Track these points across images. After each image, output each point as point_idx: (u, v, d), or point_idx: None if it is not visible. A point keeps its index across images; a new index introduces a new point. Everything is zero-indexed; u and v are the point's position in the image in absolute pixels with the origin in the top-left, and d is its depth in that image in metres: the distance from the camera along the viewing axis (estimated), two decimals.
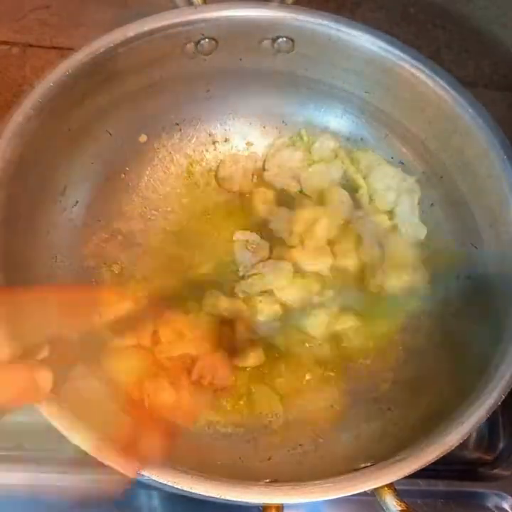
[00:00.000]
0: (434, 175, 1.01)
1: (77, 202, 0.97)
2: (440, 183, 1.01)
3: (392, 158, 1.06)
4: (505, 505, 0.98)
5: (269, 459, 0.88)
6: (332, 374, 0.99)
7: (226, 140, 1.11)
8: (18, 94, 1.20)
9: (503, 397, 0.75)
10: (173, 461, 0.69)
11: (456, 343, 0.92)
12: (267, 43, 0.97)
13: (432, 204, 1.04)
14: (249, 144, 1.12)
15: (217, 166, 1.10)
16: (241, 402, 0.96)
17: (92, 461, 0.68)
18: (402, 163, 1.06)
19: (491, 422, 1.05)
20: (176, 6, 0.91)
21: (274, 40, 0.96)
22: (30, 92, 0.83)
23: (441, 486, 0.98)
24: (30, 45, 1.26)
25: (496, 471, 1.02)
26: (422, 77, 0.93)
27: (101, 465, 0.66)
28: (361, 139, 1.09)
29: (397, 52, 0.93)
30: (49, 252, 0.92)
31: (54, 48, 1.25)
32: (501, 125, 0.90)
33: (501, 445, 1.05)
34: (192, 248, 1.05)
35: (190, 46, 0.95)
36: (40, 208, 0.90)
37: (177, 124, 1.07)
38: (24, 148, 0.82)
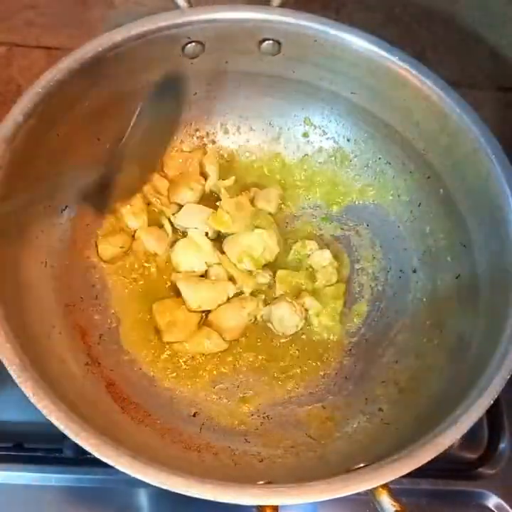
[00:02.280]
0: (422, 175, 1.02)
1: (66, 207, 0.97)
2: (428, 184, 1.01)
3: (379, 158, 1.07)
4: (490, 504, 1.00)
5: (262, 460, 0.89)
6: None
7: (213, 143, 1.12)
8: (4, 93, 1.20)
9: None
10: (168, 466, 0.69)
11: (454, 343, 0.92)
12: (253, 45, 0.97)
13: (419, 204, 1.04)
14: (237, 145, 1.12)
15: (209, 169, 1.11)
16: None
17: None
18: (390, 164, 1.06)
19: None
20: (176, 6, 0.92)
21: (261, 42, 0.96)
22: (18, 98, 0.83)
23: (425, 484, 0.99)
24: (17, 45, 1.25)
25: (480, 470, 1.02)
26: (409, 77, 0.93)
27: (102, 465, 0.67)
28: (348, 140, 1.09)
29: (384, 52, 0.93)
30: (38, 257, 0.92)
31: (40, 47, 1.25)
32: (486, 125, 0.91)
33: (485, 443, 1.06)
34: None
35: (176, 50, 0.95)
36: (30, 213, 0.90)
37: None
38: (13, 154, 0.82)
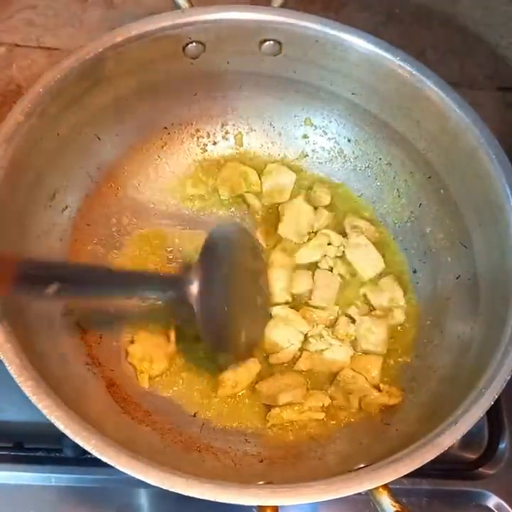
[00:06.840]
0: (422, 175, 1.02)
1: (66, 207, 0.97)
2: (428, 184, 1.02)
3: (379, 159, 1.07)
4: (490, 504, 0.99)
5: (262, 460, 0.89)
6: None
7: (215, 143, 1.12)
8: (4, 93, 1.20)
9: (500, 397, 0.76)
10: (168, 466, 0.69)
11: (454, 343, 0.93)
12: (254, 46, 0.97)
13: (420, 204, 1.04)
14: (238, 146, 1.12)
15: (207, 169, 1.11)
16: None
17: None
18: (390, 164, 1.06)
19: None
20: (177, 6, 0.93)
21: (262, 43, 0.96)
22: (19, 98, 0.83)
23: (425, 484, 0.99)
24: (17, 45, 1.26)
25: (480, 470, 1.02)
26: (409, 77, 0.93)
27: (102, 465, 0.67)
28: (348, 141, 1.09)
29: (385, 53, 0.94)
30: (40, 257, 0.92)
31: (40, 47, 1.26)
32: (486, 125, 0.91)
33: (485, 443, 1.05)
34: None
35: (177, 50, 0.95)
36: (30, 213, 0.90)
37: (165, 128, 1.08)
38: (14, 154, 0.82)
